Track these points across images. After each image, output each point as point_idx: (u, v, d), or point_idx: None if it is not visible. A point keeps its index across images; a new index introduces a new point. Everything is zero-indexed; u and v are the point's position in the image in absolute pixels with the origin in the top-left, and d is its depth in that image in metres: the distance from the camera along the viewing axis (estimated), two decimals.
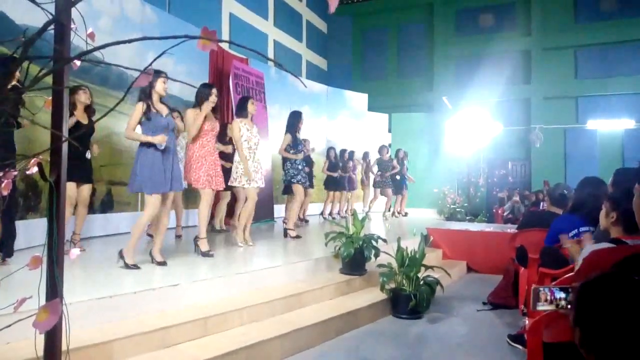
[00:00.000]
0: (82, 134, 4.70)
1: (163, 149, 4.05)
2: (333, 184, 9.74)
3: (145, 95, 4.07)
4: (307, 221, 8.89)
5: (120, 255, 4.02)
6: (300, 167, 6.32)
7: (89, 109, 4.76)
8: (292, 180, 6.28)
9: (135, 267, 3.97)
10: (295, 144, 6.31)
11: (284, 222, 6.67)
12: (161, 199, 4.08)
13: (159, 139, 4.00)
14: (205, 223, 4.75)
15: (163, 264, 4.12)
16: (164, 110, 4.17)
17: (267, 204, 8.59)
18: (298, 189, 6.30)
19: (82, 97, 4.70)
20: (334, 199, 10.06)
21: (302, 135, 6.66)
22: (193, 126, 4.58)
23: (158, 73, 4.02)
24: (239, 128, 5.27)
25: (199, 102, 4.67)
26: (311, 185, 8.52)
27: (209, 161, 4.69)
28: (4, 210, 3.69)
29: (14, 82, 3.24)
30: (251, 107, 5.41)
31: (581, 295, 1.02)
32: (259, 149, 5.47)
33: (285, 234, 6.40)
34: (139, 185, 4.02)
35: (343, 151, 10.15)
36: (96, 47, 0.98)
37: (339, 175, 9.70)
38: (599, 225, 2.76)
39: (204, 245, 4.68)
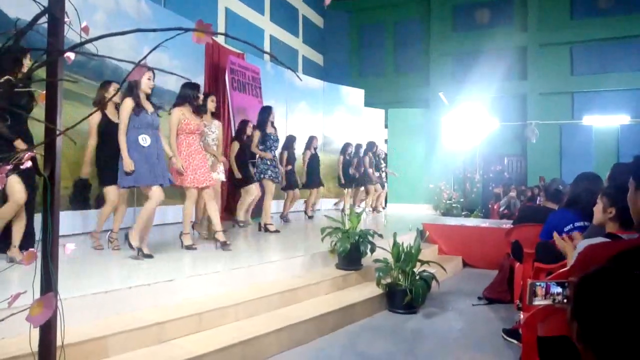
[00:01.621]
0: (115, 133, 4.56)
1: (148, 145, 4.07)
2: (352, 181, 9.80)
3: (132, 91, 4.04)
4: (311, 217, 8.86)
5: (126, 237, 4.17)
6: (269, 162, 6.36)
7: (119, 107, 4.56)
8: (263, 175, 6.33)
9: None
10: (264, 140, 6.34)
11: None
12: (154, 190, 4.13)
13: (128, 166, 3.98)
14: (188, 219, 4.85)
15: (149, 256, 4.15)
16: (150, 108, 4.17)
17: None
18: (267, 184, 6.36)
19: (111, 93, 4.53)
20: (355, 196, 10.09)
21: (290, 130, 6.67)
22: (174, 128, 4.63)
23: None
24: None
25: (182, 102, 4.68)
26: (292, 184, 8.23)
27: (196, 159, 4.71)
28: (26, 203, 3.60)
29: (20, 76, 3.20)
30: (211, 104, 5.48)
31: (580, 289, 1.01)
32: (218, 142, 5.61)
33: (266, 229, 6.37)
34: (130, 179, 4.03)
35: (350, 145, 10.15)
36: (90, 39, 0.97)
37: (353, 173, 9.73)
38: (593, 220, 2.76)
39: (187, 240, 4.77)
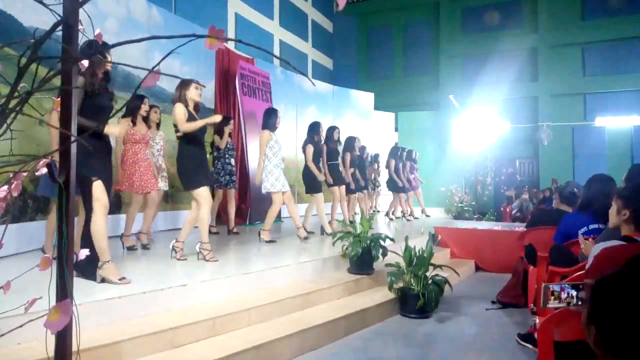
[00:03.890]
0: (200, 135, 4.48)
1: None
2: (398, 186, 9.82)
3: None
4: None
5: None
6: (222, 166, 6.63)
7: (197, 107, 4.48)
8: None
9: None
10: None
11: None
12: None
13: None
14: (131, 224, 5.16)
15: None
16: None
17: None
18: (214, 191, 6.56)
19: (193, 93, 4.34)
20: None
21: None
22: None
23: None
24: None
25: (129, 113, 4.96)
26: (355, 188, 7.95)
27: (142, 167, 4.98)
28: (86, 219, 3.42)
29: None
30: (154, 115, 5.52)
31: (596, 292, 0.99)
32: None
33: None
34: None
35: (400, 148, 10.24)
36: (104, 47, 0.97)
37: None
38: (608, 223, 2.73)
39: (127, 242, 5.10)
